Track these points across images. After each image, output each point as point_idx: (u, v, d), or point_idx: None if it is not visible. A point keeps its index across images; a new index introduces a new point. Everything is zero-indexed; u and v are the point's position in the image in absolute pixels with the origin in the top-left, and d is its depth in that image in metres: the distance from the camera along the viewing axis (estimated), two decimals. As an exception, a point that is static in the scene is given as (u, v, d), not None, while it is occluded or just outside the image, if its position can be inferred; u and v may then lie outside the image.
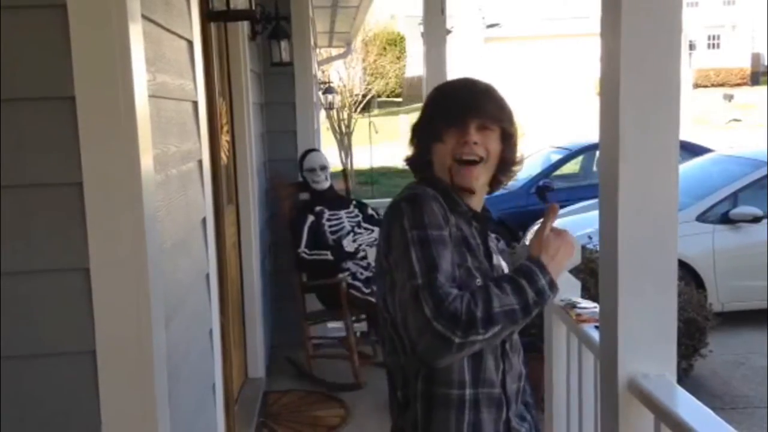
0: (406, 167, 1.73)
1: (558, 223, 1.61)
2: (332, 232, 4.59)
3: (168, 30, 2.03)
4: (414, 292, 1.43)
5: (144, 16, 1.67)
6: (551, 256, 1.53)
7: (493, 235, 1.72)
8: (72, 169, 1.50)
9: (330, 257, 4.50)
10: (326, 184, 4.70)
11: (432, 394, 1.54)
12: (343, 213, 4.66)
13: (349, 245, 4.54)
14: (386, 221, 1.56)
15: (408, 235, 1.48)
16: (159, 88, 1.85)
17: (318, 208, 4.62)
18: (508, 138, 1.62)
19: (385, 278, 1.55)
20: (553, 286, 1.50)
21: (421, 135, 1.66)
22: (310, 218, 4.59)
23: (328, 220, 4.61)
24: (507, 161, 1.64)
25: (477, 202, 1.66)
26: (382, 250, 1.57)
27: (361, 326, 4.88)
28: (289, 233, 4.77)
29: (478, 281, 1.52)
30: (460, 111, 1.58)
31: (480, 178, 1.61)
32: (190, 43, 2.36)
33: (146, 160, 1.58)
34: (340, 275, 4.42)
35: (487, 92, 1.63)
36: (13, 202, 1.50)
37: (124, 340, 1.55)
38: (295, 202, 4.87)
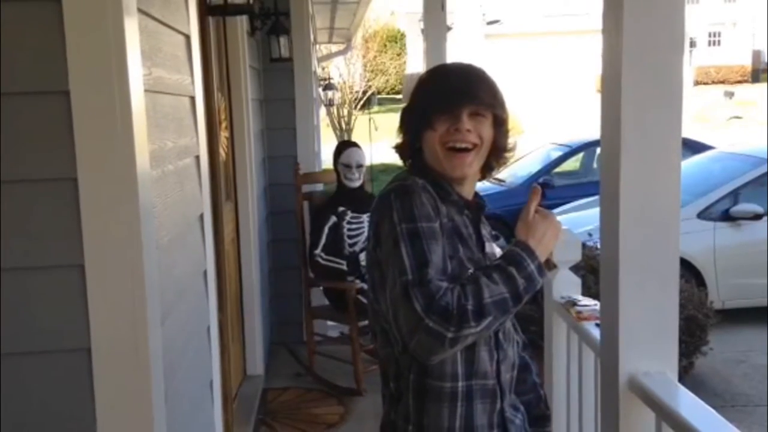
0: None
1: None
2: (349, 236, 4.49)
3: (165, 24, 2.01)
4: (404, 289, 1.40)
5: (140, 10, 1.65)
6: (538, 239, 1.52)
7: (488, 228, 1.70)
8: (66, 164, 1.48)
9: (345, 268, 4.44)
10: (358, 183, 4.59)
11: (424, 386, 1.53)
12: (365, 217, 4.51)
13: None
14: (375, 214, 1.54)
15: (397, 229, 1.45)
16: (155, 83, 1.83)
17: (341, 209, 4.51)
18: (500, 124, 1.60)
19: (374, 271, 1.54)
20: (541, 270, 1.49)
21: (411, 121, 1.62)
22: (332, 219, 4.49)
23: (349, 223, 4.50)
24: (499, 148, 1.62)
25: (468, 190, 1.63)
26: (371, 242, 1.54)
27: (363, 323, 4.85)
28: (294, 225, 4.73)
29: (471, 272, 1.49)
30: (452, 97, 1.55)
31: (473, 165, 1.58)
32: (188, 38, 2.34)
33: (142, 156, 1.56)
34: (350, 277, 4.40)
35: (480, 78, 1.60)
36: (7, 198, 1.48)
37: (120, 337, 1.53)
38: (314, 195, 4.81)
